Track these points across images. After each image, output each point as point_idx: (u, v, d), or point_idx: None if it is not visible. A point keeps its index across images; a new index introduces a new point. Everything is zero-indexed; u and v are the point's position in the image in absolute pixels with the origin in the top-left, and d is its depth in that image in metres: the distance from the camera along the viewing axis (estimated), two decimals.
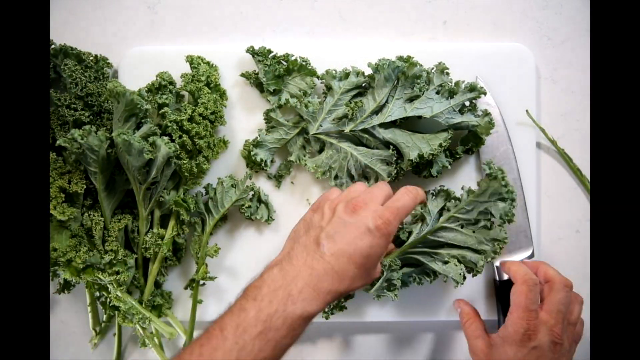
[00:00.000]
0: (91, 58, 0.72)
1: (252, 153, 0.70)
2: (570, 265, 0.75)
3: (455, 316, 0.71)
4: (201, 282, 0.72)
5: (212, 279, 0.71)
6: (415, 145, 0.66)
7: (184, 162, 0.67)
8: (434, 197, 0.63)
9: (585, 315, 0.75)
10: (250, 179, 0.72)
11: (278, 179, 0.73)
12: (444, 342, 0.76)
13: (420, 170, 0.69)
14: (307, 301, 0.50)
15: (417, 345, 0.76)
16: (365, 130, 0.69)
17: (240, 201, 0.71)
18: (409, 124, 0.69)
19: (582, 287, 0.74)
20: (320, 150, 0.72)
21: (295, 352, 0.76)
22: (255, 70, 0.73)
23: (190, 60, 0.71)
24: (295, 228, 0.59)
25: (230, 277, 0.75)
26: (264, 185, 0.74)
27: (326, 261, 0.52)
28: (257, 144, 0.71)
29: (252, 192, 0.72)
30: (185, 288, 0.74)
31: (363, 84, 0.69)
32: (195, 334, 0.73)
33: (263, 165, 0.70)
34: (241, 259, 0.75)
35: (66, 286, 0.71)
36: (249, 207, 0.71)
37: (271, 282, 0.51)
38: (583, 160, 0.75)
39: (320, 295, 0.51)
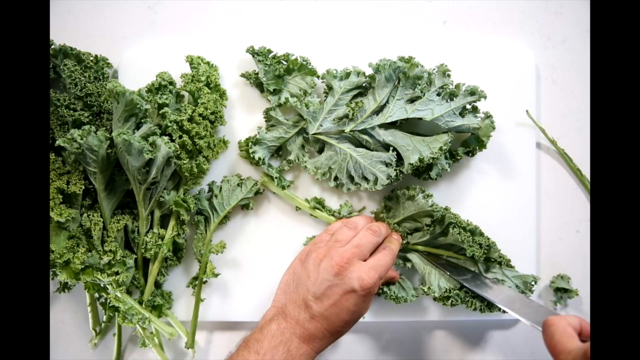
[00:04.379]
0: (91, 58, 0.72)
1: (250, 151, 0.70)
2: (570, 265, 0.75)
3: (454, 316, 0.71)
4: (204, 279, 0.72)
5: (216, 275, 0.71)
6: (415, 149, 0.66)
7: (184, 162, 0.67)
8: None
9: (586, 315, 0.75)
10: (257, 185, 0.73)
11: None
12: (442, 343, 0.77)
13: (420, 172, 0.69)
14: (304, 357, 0.57)
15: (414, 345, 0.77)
16: (365, 132, 0.69)
17: (245, 200, 0.72)
18: (409, 124, 0.69)
19: (582, 287, 0.74)
20: (320, 151, 0.72)
21: None
22: (255, 70, 0.73)
23: (190, 60, 0.71)
24: (285, 279, 0.64)
25: (232, 273, 0.75)
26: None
27: (316, 321, 0.58)
28: (256, 141, 0.71)
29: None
30: (188, 286, 0.74)
31: (364, 84, 0.69)
32: (198, 333, 0.73)
33: (261, 163, 0.70)
34: (241, 253, 0.75)
35: (66, 285, 0.71)
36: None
37: (271, 337, 0.57)
38: (583, 160, 0.75)
39: (314, 348, 0.58)
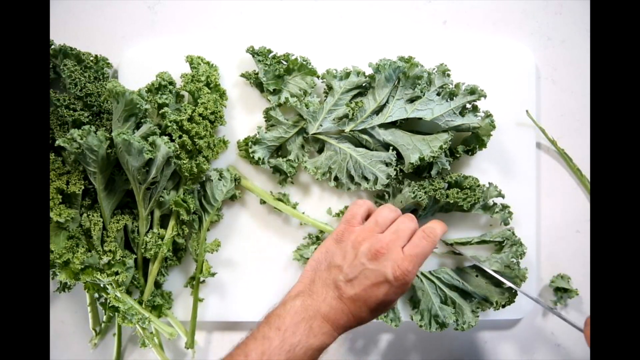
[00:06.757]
0: (91, 58, 0.72)
1: (250, 150, 0.70)
2: (570, 265, 0.75)
3: None
4: (202, 279, 0.72)
5: (212, 274, 0.71)
6: (415, 148, 0.66)
7: (184, 162, 0.67)
8: None
9: (585, 315, 0.75)
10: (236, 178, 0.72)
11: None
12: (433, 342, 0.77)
13: (420, 171, 0.69)
14: (325, 335, 0.56)
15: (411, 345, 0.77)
16: (365, 131, 0.69)
17: (230, 191, 0.71)
18: (409, 123, 0.69)
19: (582, 287, 0.75)
20: (320, 151, 0.72)
21: None
22: (255, 70, 0.73)
23: (190, 60, 0.71)
24: (316, 257, 0.62)
25: (230, 273, 0.75)
26: (266, 184, 0.74)
27: (344, 303, 0.57)
28: (256, 141, 0.71)
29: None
30: (186, 285, 0.74)
31: (364, 84, 0.69)
32: (197, 333, 0.73)
33: (260, 163, 0.70)
34: (238, 251, 0.75)
35: (66, 285, 0.71)
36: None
37: (294, 313, 0.56)
38: (583, 160, 0.75)
39: (337, 330, 0.57)
